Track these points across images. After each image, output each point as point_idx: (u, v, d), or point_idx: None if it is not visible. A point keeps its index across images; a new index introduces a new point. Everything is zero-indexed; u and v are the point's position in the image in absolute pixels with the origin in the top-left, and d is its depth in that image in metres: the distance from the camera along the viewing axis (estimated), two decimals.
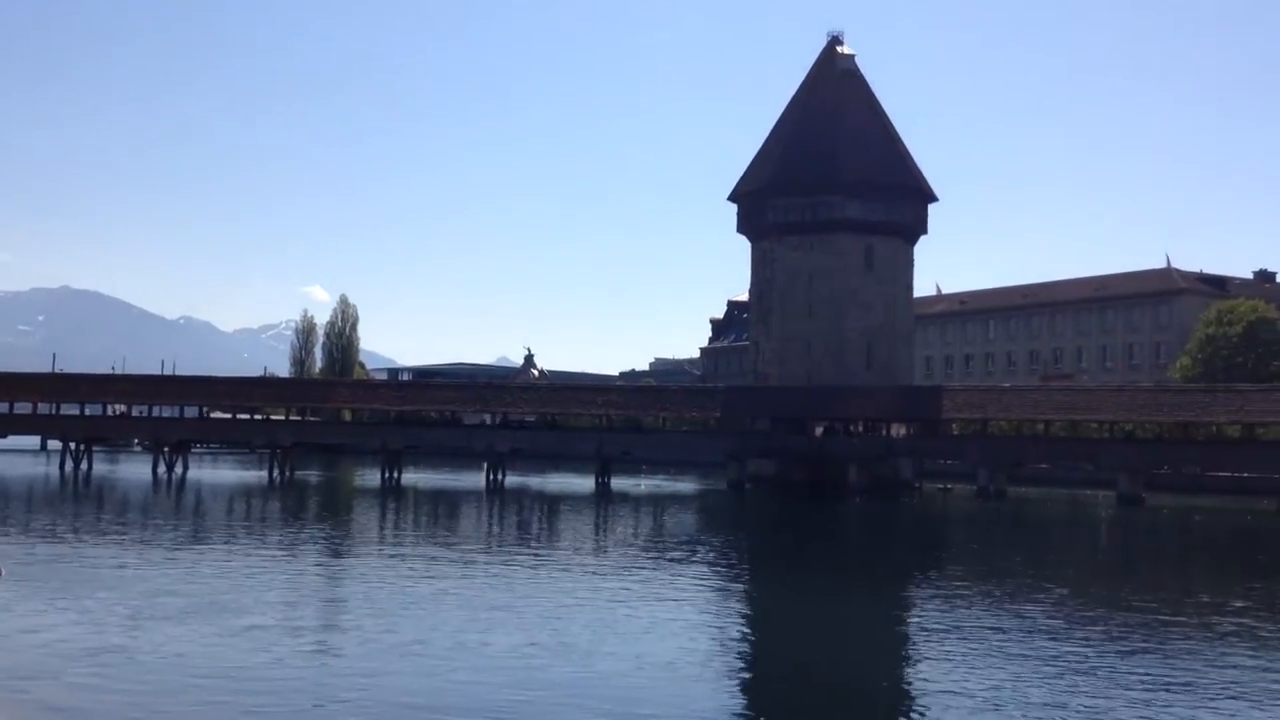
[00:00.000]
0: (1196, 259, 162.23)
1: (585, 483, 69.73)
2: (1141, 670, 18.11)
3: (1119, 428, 65.10)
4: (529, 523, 46.27)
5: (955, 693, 16.38)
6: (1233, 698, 16.41)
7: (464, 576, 27.33)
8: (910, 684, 17.79)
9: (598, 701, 15.64)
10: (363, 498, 59.70)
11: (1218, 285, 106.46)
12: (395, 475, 68.40)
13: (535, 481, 74.13)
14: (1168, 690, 16.72)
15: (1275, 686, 17.27)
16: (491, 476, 69.00)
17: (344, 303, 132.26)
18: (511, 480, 70.63)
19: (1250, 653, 19.88)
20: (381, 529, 41.96)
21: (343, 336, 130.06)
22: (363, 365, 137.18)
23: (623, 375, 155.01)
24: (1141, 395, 65.94)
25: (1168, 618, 23.71)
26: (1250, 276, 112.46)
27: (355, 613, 22.03)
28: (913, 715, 15.81)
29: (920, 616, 24.11)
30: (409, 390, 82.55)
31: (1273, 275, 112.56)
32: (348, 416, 79.98)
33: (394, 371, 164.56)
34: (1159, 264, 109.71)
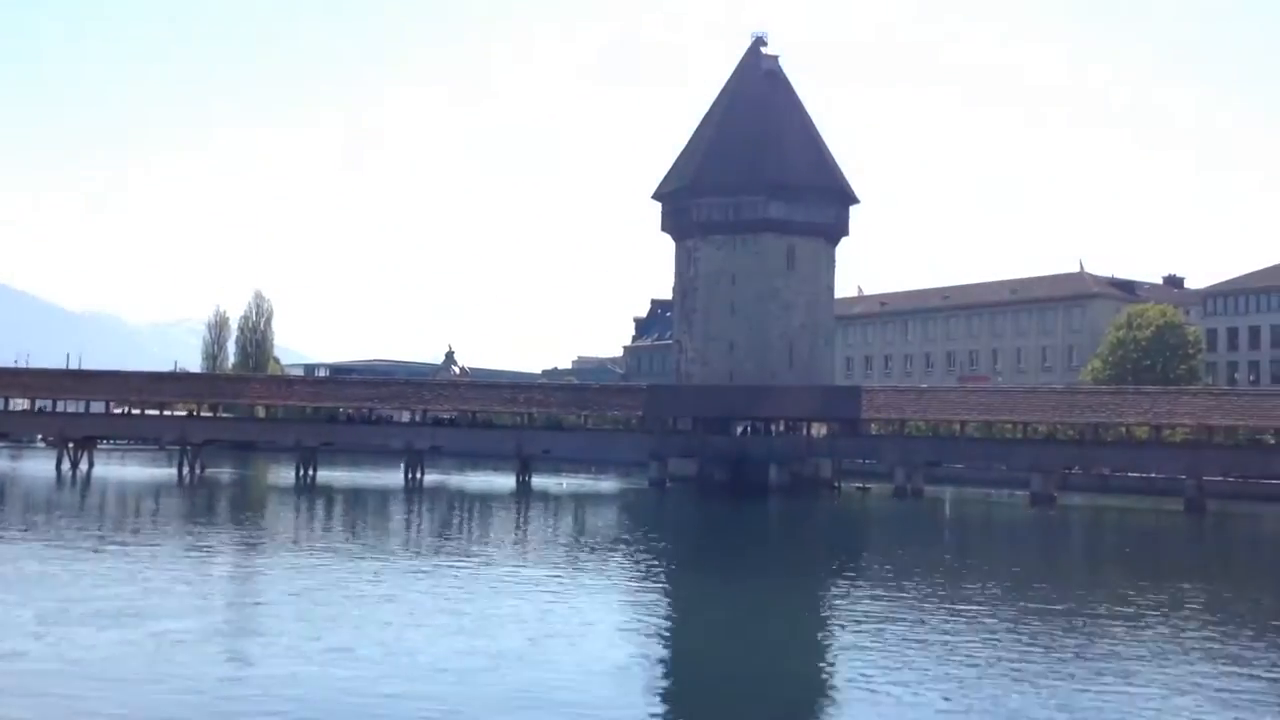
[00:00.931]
0: (1109, 264, 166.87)
1: (506, 481, 69.08)
2: (1053, 664, 18.26)
3: (1032, 428, 66.37)
4: (449, 522, 45.58)
5: (872, 689, 16.33)
6: (1134, 689, 16.61)
7: (383, 578, 26.69)
8: (829, 681, 17.73)
9: (519, 702, 15.28)
10: (277, 496, 58.34)
11: (1128, 290, 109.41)
12: (310, 473, 67.02)
13: (455, 480, 73.26)
14: (1075, 682, 16.87)
15: (1171, 678, 17.53)
16: (410, 474, 67.99)
17: (259, 297, 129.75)
18: (431, 478, 69.70)
19: (1150, 646, 20.21)
20: (297, 529, 40.96)
21: (257, 331, 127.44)
22: (277, 361, 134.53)
23: (545, 373, 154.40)
24: (1054, 397, 67.35)
25: (1076, 615, 24.05)
26: (1160, 281, 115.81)
27: (270, 618, 21.33)
28: (832, 712, 15.73)
29: (839, 614, 24.13)
30: (325, 386, 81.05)
31: (1181, 280, 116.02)
32: (261, 413, 78.16)
33: (310, 367, 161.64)
34: (1073, 268, 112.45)
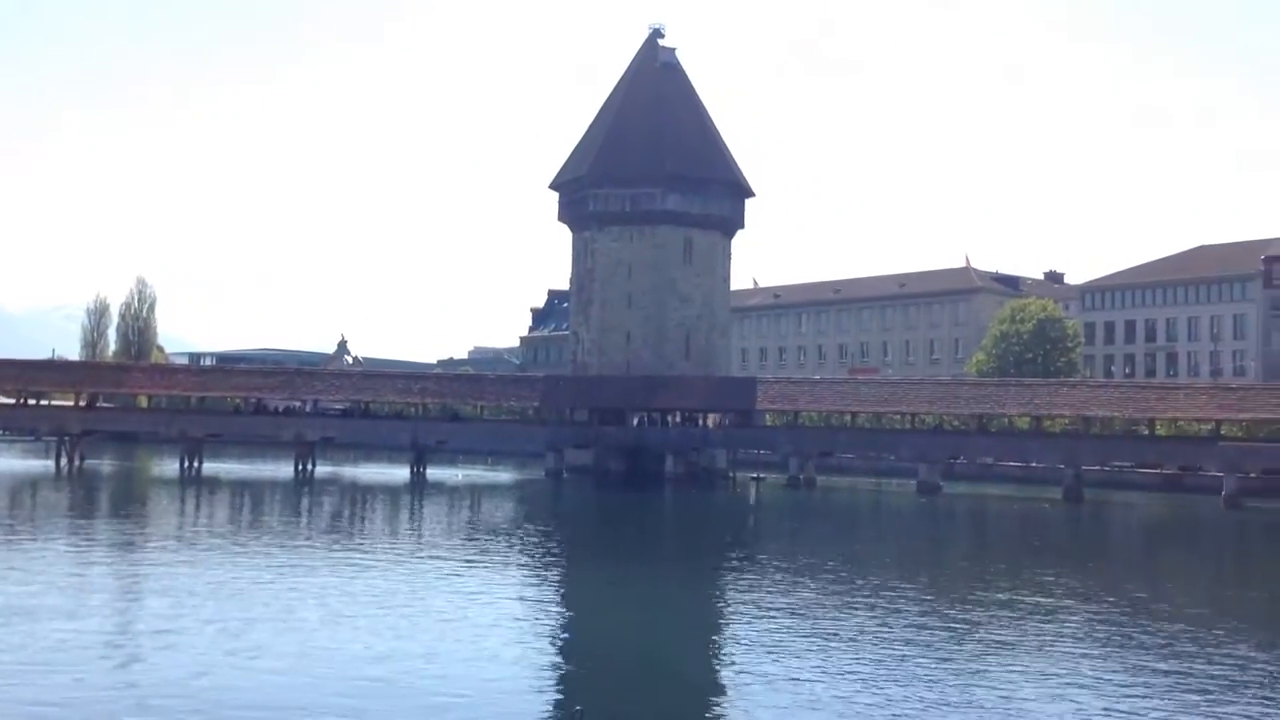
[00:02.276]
0: (993, 259, 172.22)
1: (400, 473, 68.19)
2: (936, 649, 18.79)
3: (920, 419, 68.05)
4: (340, 514, 44.80)
5: (765, 676, 16.59)
6: (1015, 672, 17.20)
7: (270, 574, 26.10)
8: (723, 669, 17.95)
9: (412, 697, 15.12)
10: (160, 489, 56.58)
11: (1011, 285, 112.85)
12: (196, 465, 65.20)
13: (347, 471, 72.04)
14: (956, 664, 17.39)
15: (1047, 660, 18.20)
16: (300, 466, 66.64)
17: (141, 283, 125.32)
18: (322, 470, 68.40)
19: (1031, 629, 20.95)
20: (181, 523, 39.81)
21: (139, 318, 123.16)
22: (161, 349, 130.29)
23: (441, 363, 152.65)
24: (940, 388, 69.18)
25: (957, 600, 24.78)
26: (1041, 277, 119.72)
27: (153, 616, 20.69)
28: (725, 698, 15.92)
29: (733, 603, 24.45)
30: (211, 376, 78.86)
31: (1061, 276, 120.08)
32: (144, 403, 75.67)
33: (195, 356, 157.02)
34: (959, 263, 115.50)
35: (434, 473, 68.32)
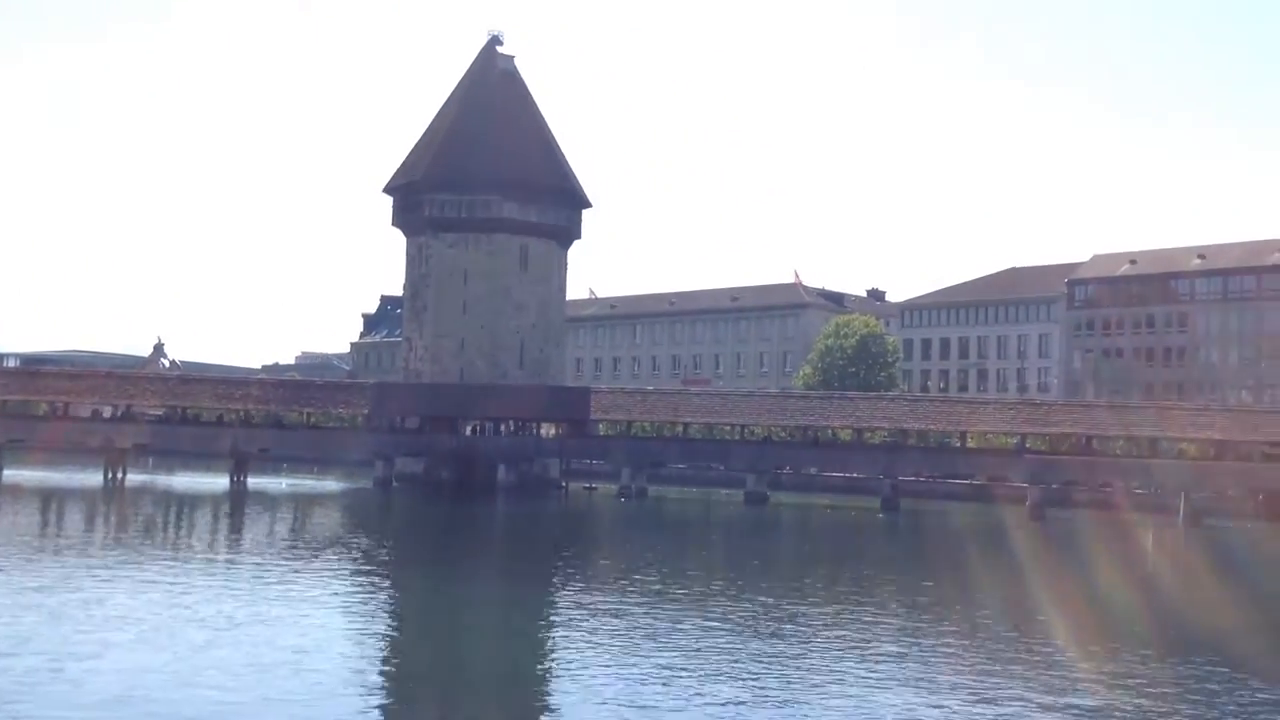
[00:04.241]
0: (821, 275, 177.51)
1: (219, 482, 65.58)
2: (760, 655, 19.27)
3: (749, 430, 69.70)
4: (154, 525, 42.76)
5: (590, 687, 16.67)
6: (835, 671, 17.80)
7: (73, 587, 24.67)
8: (550, 681, 17.97)
9: (229, 713, 14.56)
10: None
11: (837, 301, 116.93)
12: None
13: (162, 480, 68.85)
14: (778, 669, 17.89)
15: (862, 664, 18.93)
16: (111, 474, 63.34)
17: None
18: (134, 479, 65.16)
19: (852, 635, 21.74)
20: None
21: None
22: None
23: (265, 369, 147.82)
24: (769, 400, 71.06)
25: (780, 607, 25.48)
26: (864, 294, 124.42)
27: None
28: (549, 711, 15.93)
29: (562, 614, 24.49)
30: (15, 378, 74.24)
31: (883, 294, 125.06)
32: None
33: None
34: (788, 279, 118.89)
35: (256, 482, 65.99)
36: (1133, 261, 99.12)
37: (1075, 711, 16.11)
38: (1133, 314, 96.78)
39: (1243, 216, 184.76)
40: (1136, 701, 16.79)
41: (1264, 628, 27.02)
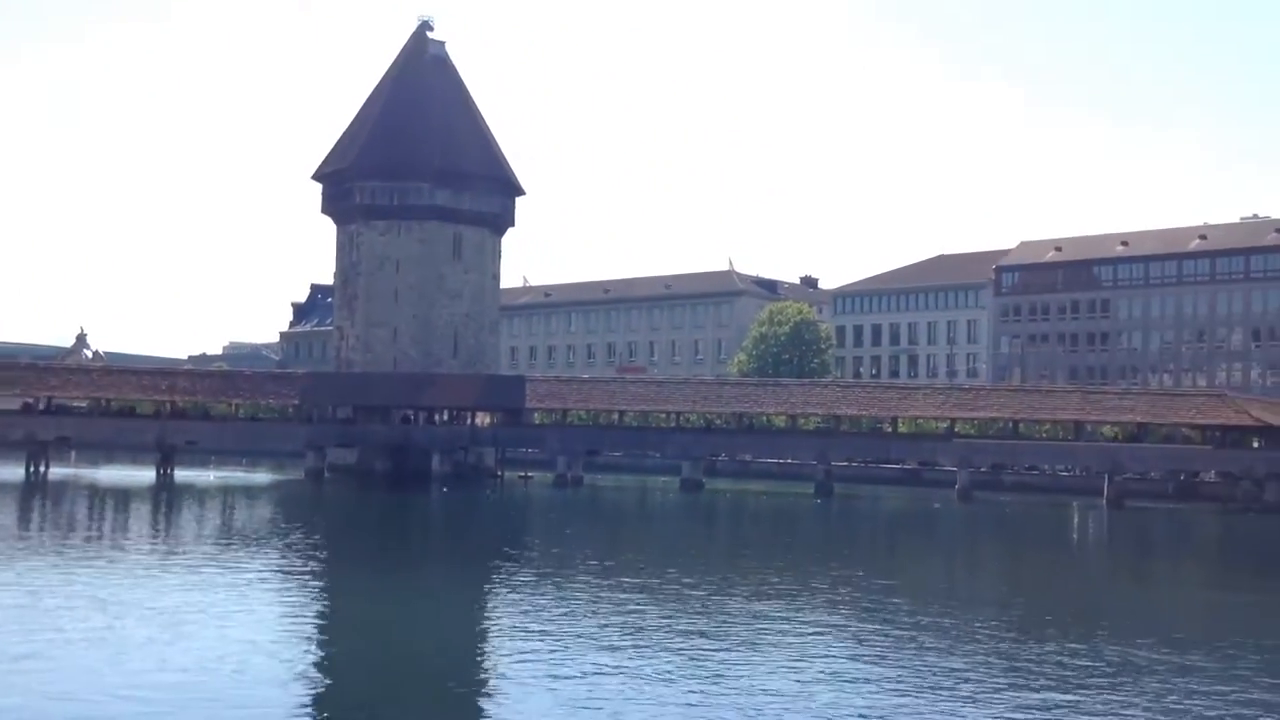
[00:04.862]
0: (755, 263, 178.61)
1: (145, 475, 64.25)
2: (697, 641, 19.39)
3: (684, 418, 69.96)
4: (76, 519, 41.77)
5: (530, 676, 16.64)
6: (770, 657, 17.99)
7: None
8: (487, 674, 17.90)
9: (153, 712, 14.28)
10: None
11: (771, 288, 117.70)
12: None
13: (86, 474, 67.27)
14: (717, 658, 18.03)
15: (801, 644, 19.15)
16: (32, 469, 61.74)
17: None
18: (57, 473, 63.59)
19: (783, 617, 21.97)
20: None
21: None
22: None
23: (192, 359, 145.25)
24: (704, 388, 71.37)
25: (717, 594, 25.66)
26: (798, 281, 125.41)
27: None
28: (488, 702, 15.87)
29: (498, 605, 24.41)
30: None
31: (816, 281, 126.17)
32: None
33: None
34: (723, 267, 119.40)
35: (183, 474, 64.81)
36: (1058, 248, 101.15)
37: (995, 686, 16.45)
38: (1058, 300, 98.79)
39: (1163, 204, 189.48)
40: (1054, 678, 17.19)
41: (1179, 606, 27.81)
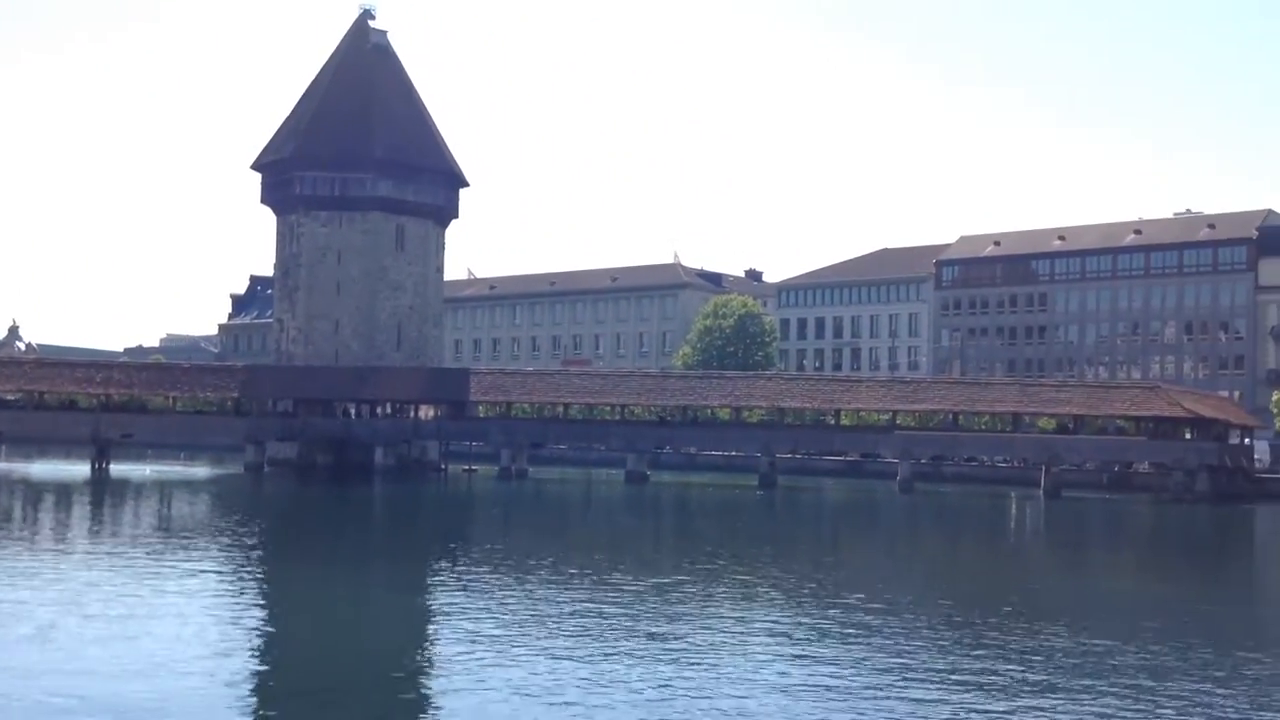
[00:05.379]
0: (700, 256, 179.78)
1: (80, 469, 62.95)
2: (649, 637, 19.42)
3: (629, 410, 70.03)
4: (12, 516, 40.80)
5: (473, 674, 16.55)
6: (716, 651, 18.08)
7: None
8: (430, 669, 17.78)
9: (95, 709, 13.99)
10: None
11: (715, 281, 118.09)
12: None
13: (19, 468, 65.77)
14: (663, 651, 18.08)
15: (747, 636, 19.27)
16: None
17: None
18: None
19: (729, 609, 22.10)
20: None
21: None
22: None
23: (128, 351, 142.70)
24: (649, 380, 71.47)
25: (661, 587, 25.72)
26: (742, 274, 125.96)
27: None
28: (430, 701, 15.77)
29: (442, 599, 24.25)
30: None
31: (760, 274, 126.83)
32: None
33: None
34: (668, 260, 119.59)
35: (119, 469, 63.62)
36: (997, 243, 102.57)
37: (926, 672, 16.68)
38: (996, 294, 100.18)
39: (1100, 201, 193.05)
40: (989, 666, 17.47)
41: (1110, 594, 28.40)
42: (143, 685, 15.43)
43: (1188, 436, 64.58)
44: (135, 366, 76.43)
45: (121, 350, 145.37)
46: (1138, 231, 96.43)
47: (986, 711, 14.93)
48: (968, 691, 15.98)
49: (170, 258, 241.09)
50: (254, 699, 15.61)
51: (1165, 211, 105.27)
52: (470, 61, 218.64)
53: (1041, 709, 15.09)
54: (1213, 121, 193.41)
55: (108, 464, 63.28)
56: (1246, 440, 68.97)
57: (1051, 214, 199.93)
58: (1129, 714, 14.97)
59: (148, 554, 29.30)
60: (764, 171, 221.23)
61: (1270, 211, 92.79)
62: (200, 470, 70.14)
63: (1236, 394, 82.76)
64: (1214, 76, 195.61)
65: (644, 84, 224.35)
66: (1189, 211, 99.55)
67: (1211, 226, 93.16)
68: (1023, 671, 17.29)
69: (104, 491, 52.17)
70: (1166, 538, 46.97)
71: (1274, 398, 75.35)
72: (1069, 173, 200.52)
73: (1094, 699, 15.72)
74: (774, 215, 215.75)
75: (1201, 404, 64.96)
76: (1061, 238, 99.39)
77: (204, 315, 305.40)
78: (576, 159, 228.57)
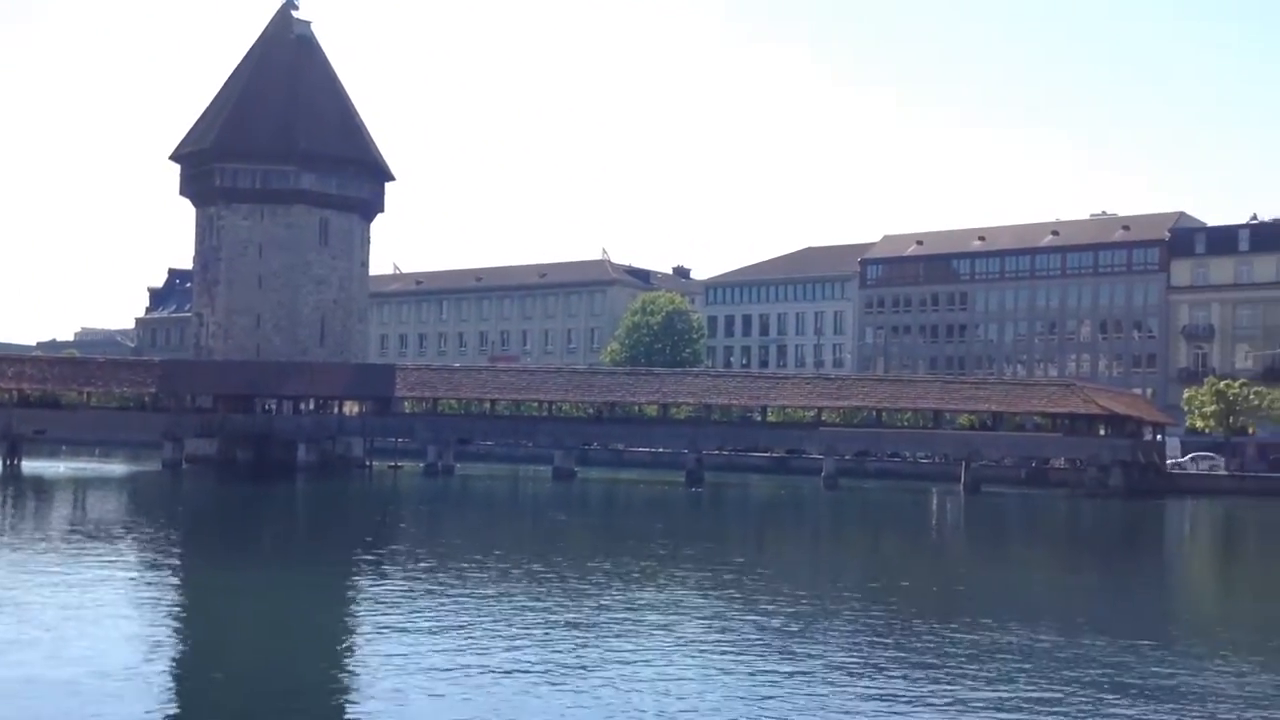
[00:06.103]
0: (628, 253, 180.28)
1: None
2: (574, 634, 19.42)
3: (557, 407, 69.88)
4: None
5: (396, 674, 16.41)
6: (642, 648, 18.14)
7: None
8: (352, 671, 17.58)
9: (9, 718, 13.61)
10: None
11: (643, 278, 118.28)
12: None
13: None
14: (586, 643, 18.11)
15: (672, 630, 19.37)
16: None
17: None
18: None
19: (655, 606, 22.20)
20: None
21: None
22: None
23: (41, 345, 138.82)
24: (577, 377, 71.41)
25: (590, 581, 25.75)
26: (670, 271, 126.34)
27: None
28: (352, 703, 15.59)
29: (363, 599, 23.99)
30: None
31: (688, 271, 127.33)
32: None
33: None
34: (596, 256, 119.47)
35: (32, 465, 61.86)
36: (919, 242, 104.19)
37: (850, 667, 16.94)
38: (919, 292, 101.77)
39: (1018, 202, 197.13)
40: (911, 659, 17.79)
41: (1028, 586, 29.08)
42: (55, 693, 15.01)
43: (1102, 433, 66.26)
44: (48, 361, 74.34)
45: (34, 344, 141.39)
46: (1055, 232, 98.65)
47: (911, 700, 15.19)
48: (889, 683, 16.25)
49: (85, 249, 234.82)
50: (172, 704, 15.29)
51: (1082, 213, 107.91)
52: (396, 55, 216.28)
53: (961, 699, 15.40)
54: (1129, 125, 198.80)
55: (19, 461, 61.53)
56: (1159, 437, 70.99)
57: (972, 214, 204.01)
58: (1046, 697, 15.36)
59: (60, 555, 28.54)
60: (692, 169, 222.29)
61: (1182, 214, 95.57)
62: (116, 467, 68.48)
63: (1149, 391, 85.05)
64: (1131, 81, 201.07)
65: (572, 80, 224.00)
66: (1104, 213, 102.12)
67: (1126, 228, 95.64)
68: (941, 661, 17.63)
69: (15, 490, 50.66)
70: (1081, 531, 48.18)
71: (1185, 395, 77.57)
72: (989, 174, 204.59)
73: (1010, 686, 16.08)
74: (702, 213, 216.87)
75: (1116, 401, 66.69)
76: (981, 238, 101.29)
77: (120, 309, 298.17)
78: (504, 154, 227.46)
